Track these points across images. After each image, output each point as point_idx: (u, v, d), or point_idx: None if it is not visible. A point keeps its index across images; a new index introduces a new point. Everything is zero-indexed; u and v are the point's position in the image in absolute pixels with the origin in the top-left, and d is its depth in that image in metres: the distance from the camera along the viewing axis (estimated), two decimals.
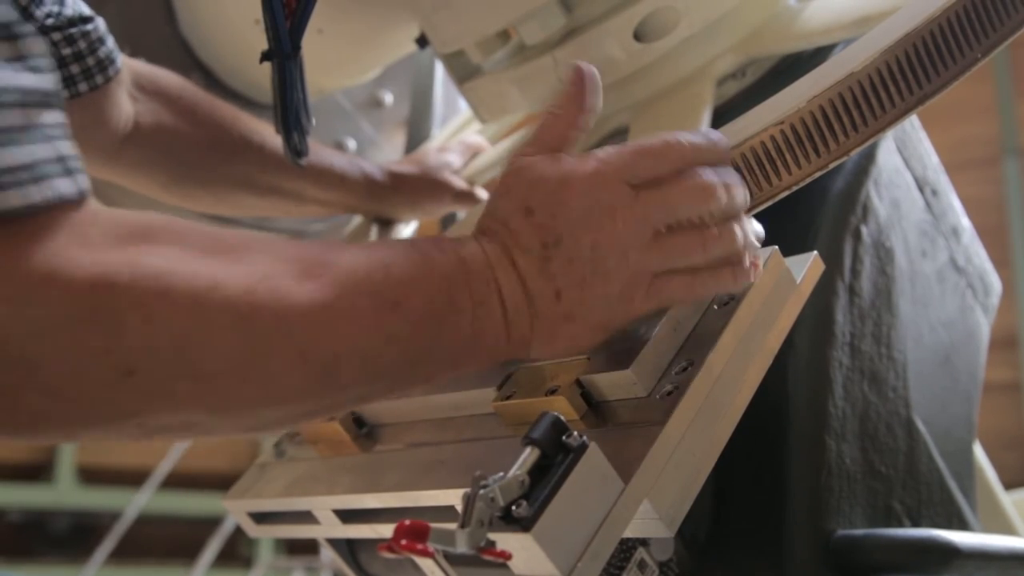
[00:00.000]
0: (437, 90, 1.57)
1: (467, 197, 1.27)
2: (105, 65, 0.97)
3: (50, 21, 0.92)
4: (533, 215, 0.66)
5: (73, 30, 0.94)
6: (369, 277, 0.61)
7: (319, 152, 1.16)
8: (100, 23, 0.97)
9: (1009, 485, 1.35)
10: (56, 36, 0.93)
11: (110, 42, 0.98)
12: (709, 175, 0.68)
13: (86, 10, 0.96)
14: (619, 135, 1.07)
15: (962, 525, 0.99)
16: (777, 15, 1.02)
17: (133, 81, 1.05)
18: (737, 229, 0.69)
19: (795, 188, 0.75)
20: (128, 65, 1.04)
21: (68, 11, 0.94)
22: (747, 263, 0.70)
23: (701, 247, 0.67)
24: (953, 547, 0.82)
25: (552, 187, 0.66)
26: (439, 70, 1.58)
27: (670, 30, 0.98)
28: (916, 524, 0.94)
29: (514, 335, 0.66)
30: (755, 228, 0.72)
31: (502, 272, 0.66)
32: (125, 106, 1.03)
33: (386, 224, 1.27)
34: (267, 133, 1.15)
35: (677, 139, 0.68)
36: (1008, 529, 1.28)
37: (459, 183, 1.26)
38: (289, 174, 1.15)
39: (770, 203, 0.76)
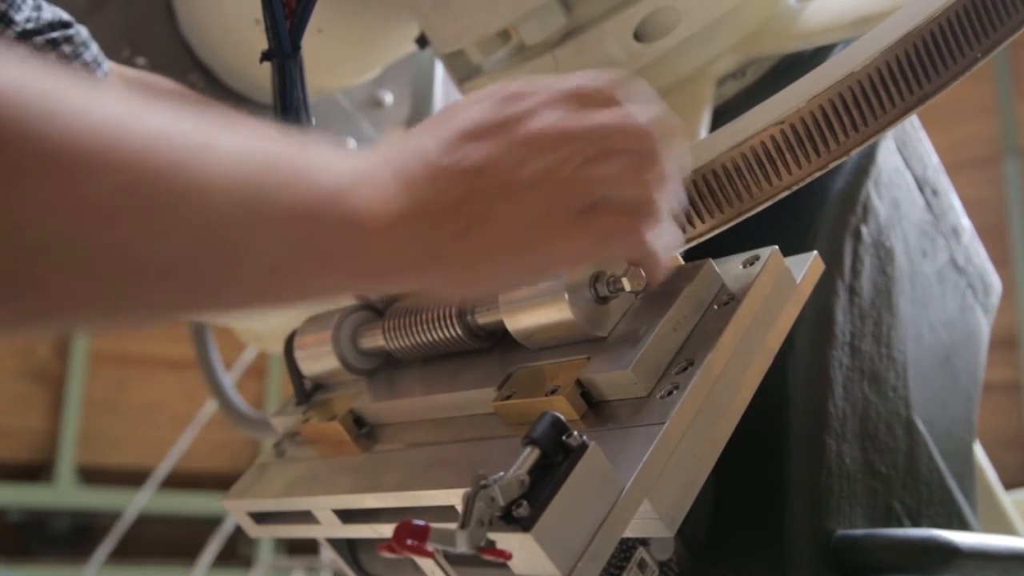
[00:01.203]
0: (437, 90, 1.57)
1: None
2: (92, 69, 0.97)
3: (30, 25, 0.92)
4: (454, 119, 0.58)
5: (55, 34, 0.94)
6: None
7: None
8: (82, 29, 0.97)
9: (1009, 485, 1.35)
10: (39, 40, 0.93)
11: (95, 47, 0.98)
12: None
13: (65, 16, 0.96)
14: None
15: (962, 525, 0.99)
16: (777, 15, 1.02)
17: (123, 84, 1.05)
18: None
19: (795, 188, 0.75)
20: (116, 71, 1.04)
21: (47, 15, 0.94)
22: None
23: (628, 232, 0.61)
24: (953, 547, 0.82)
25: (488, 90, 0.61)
26: (439, 70, 1.58)
27: (670, 30, 0.98)
28: (916, 524, 0.94)
29: (385, 249, 0.55)
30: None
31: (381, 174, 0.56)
32: None
33: None
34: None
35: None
36: (1008, 529, 1.28)
37: None
38: None
39: (770, 203, 0.76)
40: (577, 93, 0.60)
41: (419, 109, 1.56)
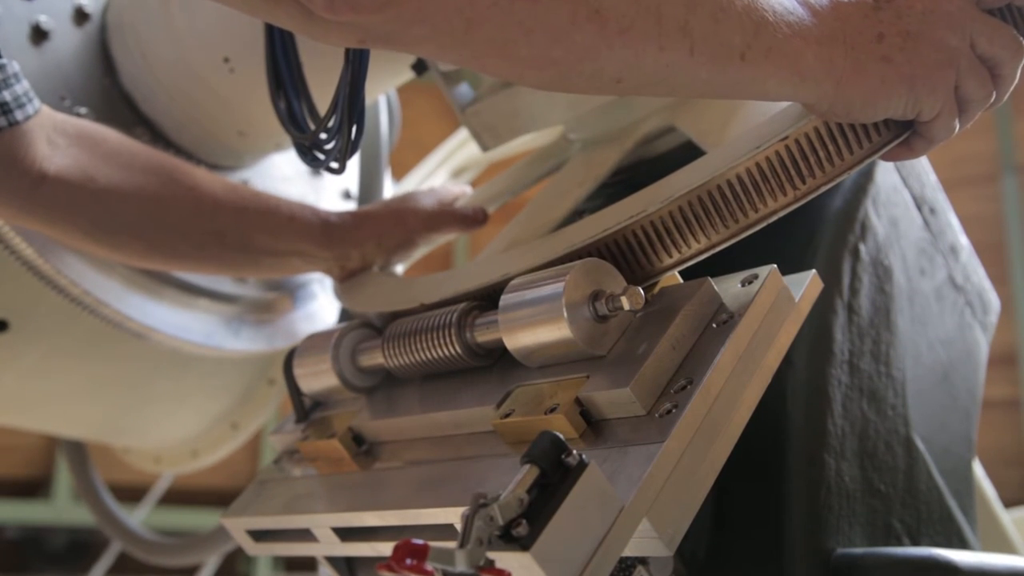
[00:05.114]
0: (384, 154, 1.52)
1: (442, 217, 1.14)
2: (23, 102, 0.95)
3: None
4: None
5: None
6: None
7: (264, 195, 1.10)
8: (14, 63, 0.95)
9: (1009, 503, 1.35)
10: None
11: (26, 84, 0.96)
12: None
13: None
14: (651, 140, 1.06)
15: (961, 543, 0.99)
16: None
17: (54, 127, 1.00)
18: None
19: (797, 205, 0.76)
20: (47, 113, 1.00)
21: None
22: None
23: (989, 92, 0.74)
24: (952, 566, 0.82)
25: None
26: (384, 143, 1.53)
27: None
28: (915, 542, 0.94)
29: (823, 54, 0.70)
30: None
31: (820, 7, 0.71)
32: (42, 148, 0.98)
33: None
34: (198, 175, 1.08)
35: None
36: (1008, 547, 1.27)
37: (427, 204, 1.15)
38: (228, 217, 1.07)
39: (772, 220, 0.76)
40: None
41: (368, 187, 1.51)
